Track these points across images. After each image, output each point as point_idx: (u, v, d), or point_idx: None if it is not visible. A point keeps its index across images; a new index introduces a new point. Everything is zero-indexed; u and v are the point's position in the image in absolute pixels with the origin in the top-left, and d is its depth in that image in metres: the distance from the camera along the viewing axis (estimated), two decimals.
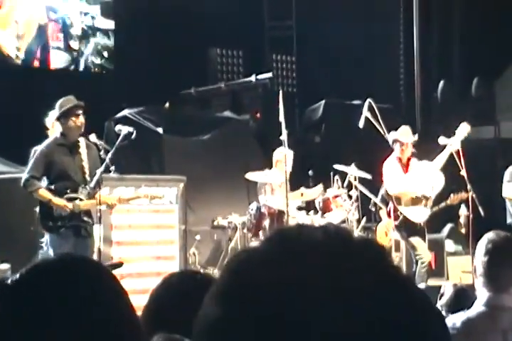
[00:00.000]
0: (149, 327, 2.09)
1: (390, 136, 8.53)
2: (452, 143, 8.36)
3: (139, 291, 6.87)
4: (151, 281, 7.39)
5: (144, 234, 8.76)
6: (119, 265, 6.45)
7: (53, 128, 8.32)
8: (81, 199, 7.09)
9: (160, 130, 11.60)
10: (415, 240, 8.45)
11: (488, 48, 13.44)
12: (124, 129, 7.57)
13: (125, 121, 10.47)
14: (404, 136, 8.47)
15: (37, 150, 8.32)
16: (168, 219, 9.00)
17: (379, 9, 15.31)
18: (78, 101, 7.30)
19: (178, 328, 2.00)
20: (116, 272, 7.04)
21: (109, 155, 7.36)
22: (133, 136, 7.59)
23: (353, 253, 0.91)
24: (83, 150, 7.28)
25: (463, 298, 5.00)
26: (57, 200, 7.05)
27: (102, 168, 7.27)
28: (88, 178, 7.18)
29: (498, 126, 13.32)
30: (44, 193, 7.10)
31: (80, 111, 7.24)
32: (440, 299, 5.40)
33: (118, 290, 1.34)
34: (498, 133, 13.30)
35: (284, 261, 0.89)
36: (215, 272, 10.07)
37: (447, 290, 5.27)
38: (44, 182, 7.20)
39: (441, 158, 8.40)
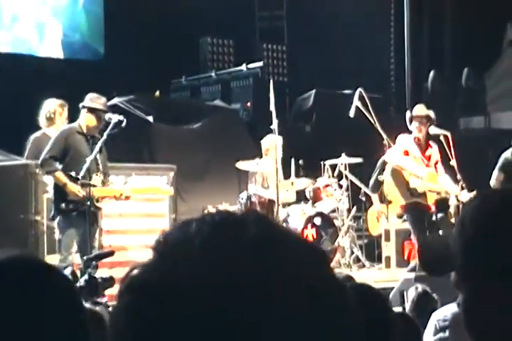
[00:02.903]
0: None
1: (407, 116, 8.44)
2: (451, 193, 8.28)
3: None
4: None
5: (134, 222, 8.73)
6: (110, 254, 6.43)
7: (57, 115, 8.37)
8: (94, 186, 7.15)
9: (150, 118, 11.57)
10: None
11: (478, 39, 13.45)
12: (114, 117, 7.58)
13: (115, 109, 10.41)
14: (417, 110, 8.38)
15: (31, 138, 8.40)
16: (159, 208, 8.97)
17: (370, 1, 15.30)
18: (106, 105, 7.61)
19: None
20: (105, 261, 7.04)
21: (99, 143, 7.39)
22: (123, 124, 7.60)
23: (226, 240, 0.86)
24: (99, 143, 7.41)
25: (425, 301, 5.00)
26: (72, 186, 7.17)
27: (92, 156, 7.29)
28: (101, 168, 7.28)
29: (489, 117, 13.36)
30: (61, 176, 7.25)
31: (104, 116, 7.47)
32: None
33: (67, 291, 1.36)
34: (489, 124, 13.33)
35: (171, 274, 0.86)
36: None
37: (410, 295, 5.24)
38: (59, 165, 7.32)
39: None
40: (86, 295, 4.64)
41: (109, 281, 5.36)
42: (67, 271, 4.92)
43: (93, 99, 7.45)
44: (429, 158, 8.34)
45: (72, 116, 7.76)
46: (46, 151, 7.36)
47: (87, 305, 4.23)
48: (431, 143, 8.38)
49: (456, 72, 14.21)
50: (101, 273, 5.39)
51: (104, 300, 6.15)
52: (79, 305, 1.39)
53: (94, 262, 5.16)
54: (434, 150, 8.33)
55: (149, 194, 8.09)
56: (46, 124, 8.46)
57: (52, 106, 8.46)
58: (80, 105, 7.48)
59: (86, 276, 4.86)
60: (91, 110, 7.38)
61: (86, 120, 7.43)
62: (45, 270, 1.36)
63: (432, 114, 8.34)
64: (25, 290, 1.29)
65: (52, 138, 7.53)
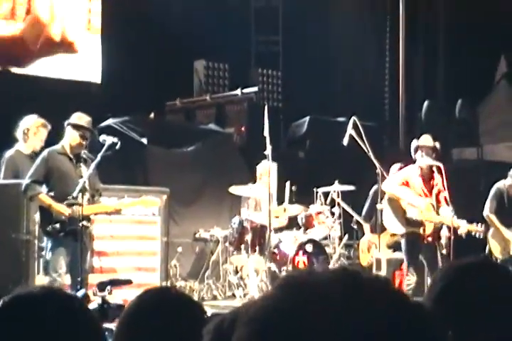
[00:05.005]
0: (123, 340, 2.16)
1: (412, 145, 8.46)
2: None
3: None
4: (131, 293, 7.34)
5: (125, 244, 8.74)
6: (127, 282, 6.34)
7: (31, 133, 8.37)
8: (80, 205, 7.13)
9: (144, 140, 11.57)
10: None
11: (472, 70, 13.55)
12: (108, 139, 7.59)
13: (109, 130, 10.42)
14: (425, 141, 8.40)
15: (5, 157, 8.39)
16: (151, 231, 8.98)
17: (365, 28, 15.42)
18: (90, 124, 7.56)
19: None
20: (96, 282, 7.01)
21: (93, 165, 7.38)
22: (117, 147, 7.61)
23: (364, 298, 0.93)
24: (85, 161, 7.44)
25: None
26: (57, 206, 7.15)
27: (85, 178, 7.28)
28: (88, 187, 7.25)
29: (481, 148, 13.40)
30: (44, 198, 7.24)
31: (88, 135, 7.48)
32: None
33: (94, 326, 1.38)
34: (481, 155, 13.37)
35: (296, 316, 0.92)
36: (195, 285, 10.06)
37: None
38: (44, 188, 7.28)
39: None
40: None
41: (122, 309, 5.30)
42: (80, 293, 4.88)
43: (78, 117, 7.48)
44: (431, 189, 8.36)
45: (61, 137, 7.72)
46: (28, 176, 7.36)
47: None
48: (434, 174, 8.39)
49: (449, 102, 14.30)
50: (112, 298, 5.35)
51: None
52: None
53: (109, 287, 5.11)
54: (437, 181, 8.35)
55: (137, 206, 8.01)
56: (22, 138, 8.47)
57: (28, 124, 8.47)
58: (65, 123, 7.50)
59: (99, 300, 4.83)
60: (75, 127, 7.40)
61: (70, 138, 7.44)
62: (75, 304, 1.39)
63: (437, 145, 8.39)
64: (56, 324, 1.32)
65: (27, 162, 7.53)
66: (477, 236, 8.19)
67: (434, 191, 8.33)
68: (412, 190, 8.30)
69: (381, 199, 8.69)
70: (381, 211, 8.70)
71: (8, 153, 8.52)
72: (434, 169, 8.39)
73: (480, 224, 8.23)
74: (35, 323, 1.33)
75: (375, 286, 0.95)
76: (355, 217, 10.23)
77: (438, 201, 8.30)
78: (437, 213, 8.25)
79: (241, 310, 1.69)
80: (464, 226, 8.09)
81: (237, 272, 9.90)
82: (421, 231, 8.20)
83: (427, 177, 8.37)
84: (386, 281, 0.99)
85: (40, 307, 1.36)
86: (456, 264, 1.79)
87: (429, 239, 8.24)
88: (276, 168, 9.64)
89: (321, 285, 0.93)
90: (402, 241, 8.34)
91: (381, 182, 8.86)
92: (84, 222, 7.22)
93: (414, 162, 8.42)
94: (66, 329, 1.34)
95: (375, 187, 9.53)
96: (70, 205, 7.18)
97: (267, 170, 9.55)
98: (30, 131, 8.44)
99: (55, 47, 12.97)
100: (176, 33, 13.77)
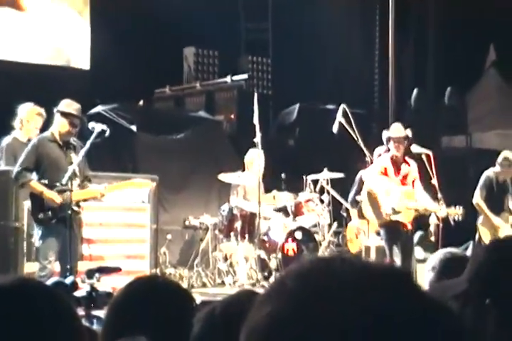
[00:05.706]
0: (111, 328, 2.17)
1: (383, 136, 8.43)
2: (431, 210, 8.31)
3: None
4: (120, 280, 7.32)
5: (114, 232, 8.73)
6: (116, 270, 6.33)
7: (25, 121, 8.34)
8: (71, 191, 7.12)
9: (133, 128, 11.55)
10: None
11: (462, 58, 13.57)
12: (97, 127, 7.54)
13: (98, 117, 10.39)
14: (395, 131, 8.35)
15: (3, 146, 8.35)
16: (140, 218, 8.97)
17: (355, 16, 15.40)
18: (79, 111, 7.50)
19: (136, 330, 2.09)
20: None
21: (82, 152, 7.36)
22: (106, 134, 7.57)
23: (378, 283, 0.90)
24: (74, 148, 7.41)
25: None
26: (49, 193, 7.12)
27: (74, 165, 7.26)
28: (78, 173, 7.24)
29: (470, 136, 13.46)
30: (36, 185, 7.19)
31: (78, 122, 7.41)
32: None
33: (69, 316, 1.37)
34: (470, 143, 13.43)
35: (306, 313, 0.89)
36: (184, 272, 10.08)
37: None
38: (34, 175, 7.26)
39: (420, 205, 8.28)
40: (85, 306, 4.62)
41: (110, 297, 5.26)
42: (69, 280, 4.87)
43: (67, 105, 7.42)
44: (405, 177, 8.34)
45: (50, 123, 7.70)
46: (19, 164, 7.32)
47: (84, 320, 4.21)
48: (409, 160, 8.37)
49: (439, 90, 14.32)
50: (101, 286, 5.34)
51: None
52: (79, 330, 1.40)
53: (97, 274, 5.10)
54: (412, 168, 8.33)
55: (127, 188, 7.97)
56: (17, 125, 8.46)
57: (23, 112, 8.45)
58: (54, 110, 7.47)
59: (88, 287, 4.82)
60: (64, 115, 7.35)
61: (59, 125, 7.39)
62: (48, 295, 1.37)
63: (409, 133, 8.32)
64: (28, 315, 1.31)
65: (25, 149, 7.49)
66: (456, 219, 8.16)
67: (410, 179, 8.33)
68: (390, 178, 8.30)
69: (361, 188, 8.71)
70: (361, 202, 8.73)
71: (6, 141, 8.49)
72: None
73: (458, 206, 8.21)
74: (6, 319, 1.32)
75: (388, 278, 0.91)
76: (344, 204, 10.25)
77: (413, 188, 8.32)
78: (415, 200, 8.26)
79: (235, 301, 1.67)
80: (442, 210, 8.10)
81: (226, 259, 9.91)
82: (401, 219, 8.19)
83: (399, 166, 8.34)
84: (408, 277, 0.94)
85: (10, 302, 1.34)
86: (502, 240, 1.87)
87: (408, 226, 8.23)
88: (263, 156, 9.63)
89: (331, 302, 0.89)
90: (382, 232, 8.34)
91: None
92: (75, 208, 7.21)
93: (389, 150, 8.41)
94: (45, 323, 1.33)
95: (361, 172, 9.54)
96: (60, 192, 7.16)
97: (255, 158, 9.55)
98: (25, 118, 8.42)
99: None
100: (166, 19, 13.72)
